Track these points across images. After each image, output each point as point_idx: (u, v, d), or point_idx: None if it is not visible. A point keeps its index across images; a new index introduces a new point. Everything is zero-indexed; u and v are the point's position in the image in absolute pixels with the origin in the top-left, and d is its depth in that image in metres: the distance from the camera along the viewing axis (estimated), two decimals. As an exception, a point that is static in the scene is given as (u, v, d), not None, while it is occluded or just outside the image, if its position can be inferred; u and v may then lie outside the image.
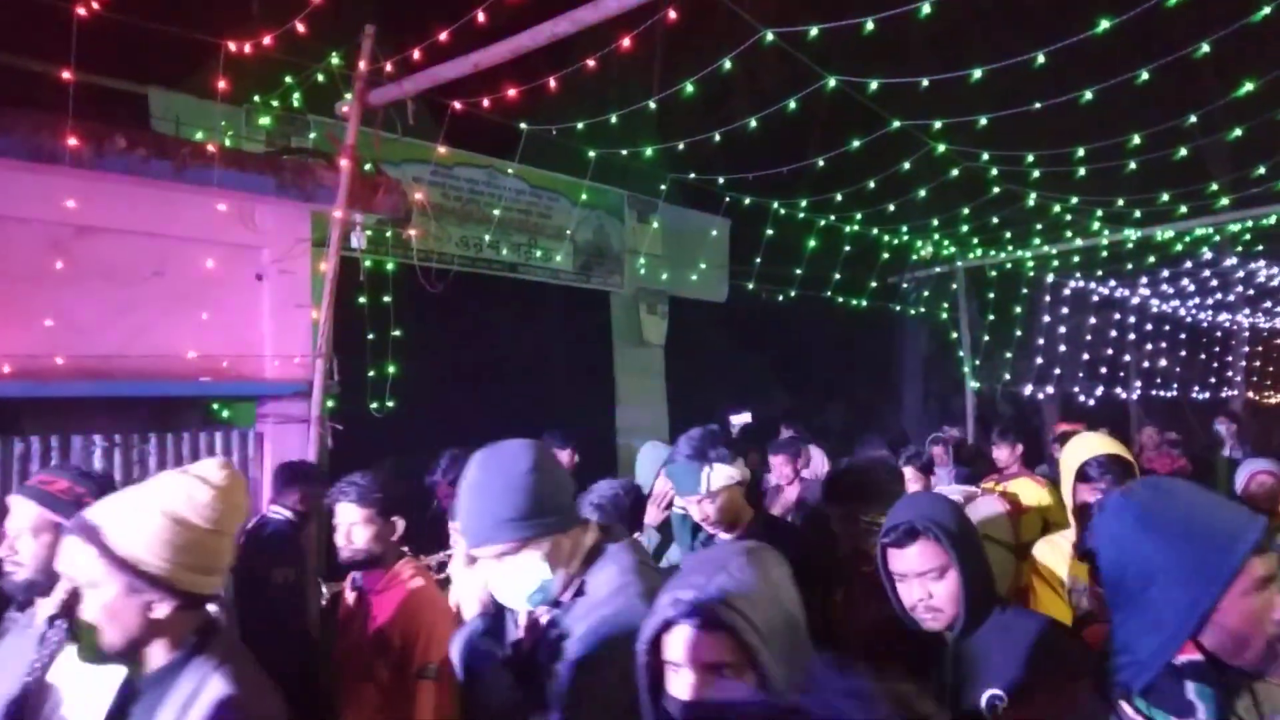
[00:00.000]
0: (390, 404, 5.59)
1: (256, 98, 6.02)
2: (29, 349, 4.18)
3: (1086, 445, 2.94)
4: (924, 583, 2.11)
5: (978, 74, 5.24)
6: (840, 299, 10.79)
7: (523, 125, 6.12)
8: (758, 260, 9.27)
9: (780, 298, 10.23)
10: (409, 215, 5.98)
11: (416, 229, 6.27)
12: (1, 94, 4.50)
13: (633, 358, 10.46)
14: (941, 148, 6.92)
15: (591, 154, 6.96)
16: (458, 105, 5.38)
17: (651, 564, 2.07)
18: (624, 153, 7.10)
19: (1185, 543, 1.45)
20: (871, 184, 7.80)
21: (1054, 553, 3.17)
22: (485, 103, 5.35)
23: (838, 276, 10.16)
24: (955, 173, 7.65)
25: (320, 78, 5.48)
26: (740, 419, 10.29)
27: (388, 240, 6.60)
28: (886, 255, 10.72)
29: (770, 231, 8.87)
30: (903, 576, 2.15)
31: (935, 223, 9.81)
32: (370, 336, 5.55)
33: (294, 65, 5.62)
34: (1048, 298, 12.95)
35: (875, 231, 9.91)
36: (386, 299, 5.78)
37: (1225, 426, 9.32)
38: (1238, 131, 6.41)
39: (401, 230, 6.23)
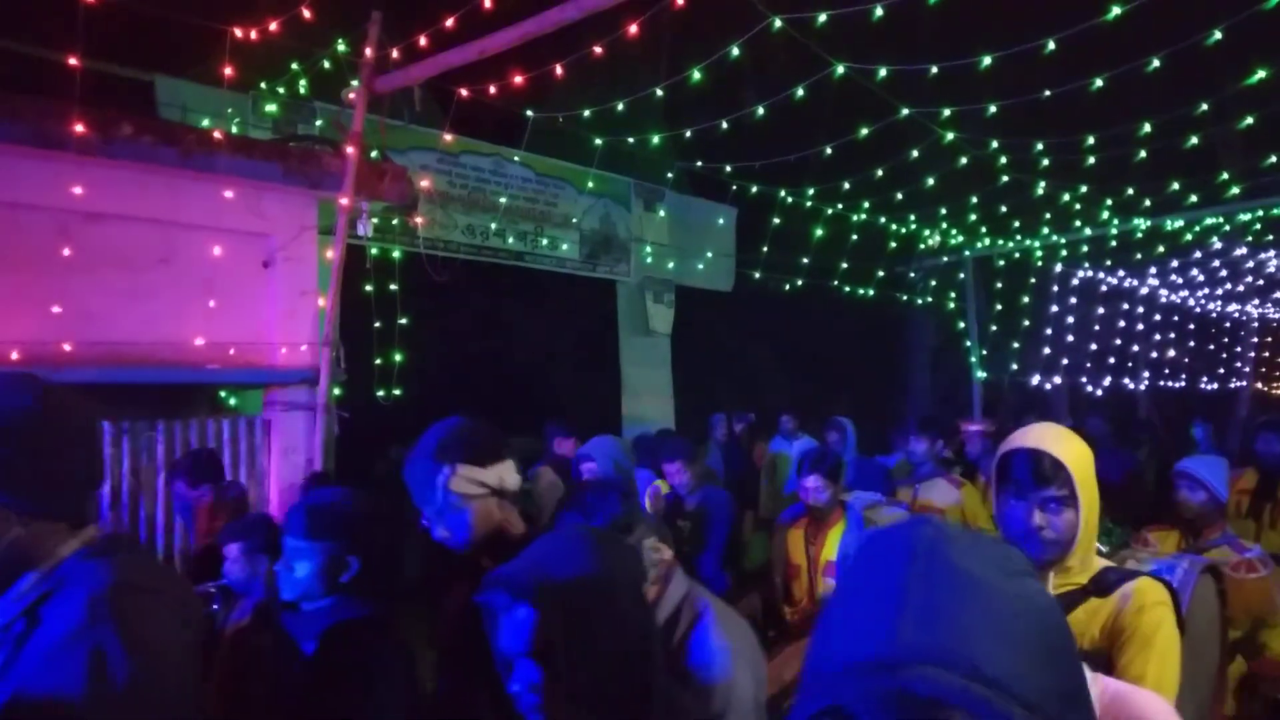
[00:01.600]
0: (396, 392, 5.60)
1: (263, 85, 6.01)
2: (38, 335, 4.20)
3: (1012, 438, 2.15)
4: (528, 667, 1.49)
5: (987, 61, 5.21)
6: (847, 289, 10.76)
7: (529, 112, 6.10)
8: (764, 249, 9.25)
9: (787, 287, 10.20)
10: (415, 203, 5.98)
11: (423, 217, 6.27)
12: (8, 80, 4.50)
13: (639, 347, 10.45)
14: (950, 136, 6.88)
15: (598, 141, 6.94)
16: (464, 92, 5.37)
17: (144, 584, 1.36)
18: (630, 140, 7.08)
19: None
20: (879, 172, 7.78)
21: None
22: (491, 90, 5.34)
23: (845, 266, 10.13)
24: (964, 161, 7.62)
25: (326, 65, 5.48)
26: (743, 420, 10.28)
27: (394, 228, 6.60)
28: (894, 245, 10.69)
29: (777, 220, 8.85)
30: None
31: (943, 212, 9.77)
32: (377, 324, 5.56)
33: (300, 52, 5.62)
34: (1056, 288, 12.89)
35: (883, 221, 9.88)
36: (393, 287, 5.78)
37: (1202, 430, 9.00)
38: (1249, 120, 6.37)
39: (408, 218, 6.23)
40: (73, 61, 4.15)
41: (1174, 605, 1.95)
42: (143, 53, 5.79)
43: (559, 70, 5.19)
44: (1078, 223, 10.04)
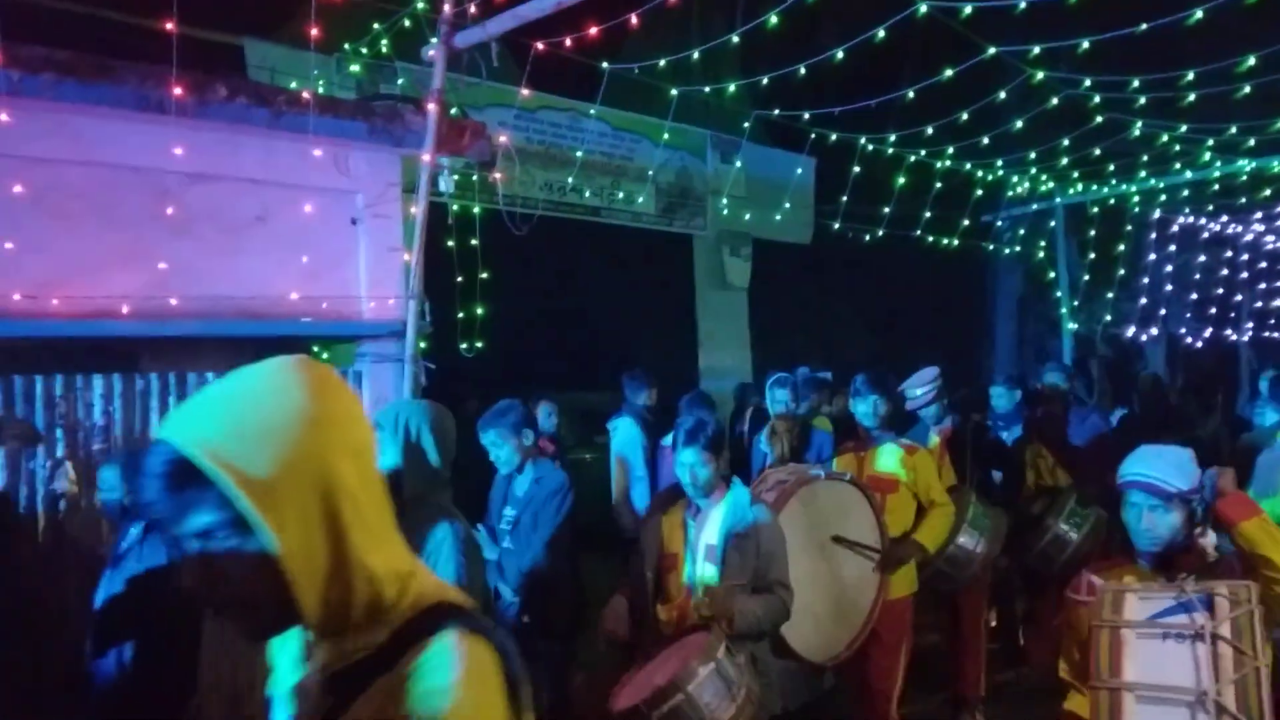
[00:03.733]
0: (479, 344, 5.74)
1: (346, 46, 6.15)
2: (145, 290, 4.44)
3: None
4: None
5: (1078, -6, 5.00)
6: (930, 239, 10.51)
7: (605, 65, 6.10)
8: (844, 199, 9.07)
9: (867, 238, 10.02)
10: (494, 159, 6.06)
11: (501, 173, 6.35)
12: (110, 47, 4.71)
13: (715, 301, 10.46)
14: (1040, 75, 6.63)
15: (674, 92, 6.90)
16: (540, 46, 5.40)
17: None
18: (707, 90, 7.02)
19: None
20: (964, 116, 7.53)
21: None
22: (567, 42, 5.35)
23: (928, 215, 9.87)
24: (1055, 102, 7.33)
25: (406, 23, 5.57)
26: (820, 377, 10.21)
27: (474, 184, 6.71)
28: (980, 192, 10.36)
29: (857, 169, 8.66)
30: None
31: (1032, 156, 9.43)
32: (459, 279, 5.69)
33: (381, 11, 5.71)
34: (1153, 235, 12.36)
35: (968, 167, 9.59)
36: (474, 242, 5.90)
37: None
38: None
39: (487, 174, 6.32)
40: (169, 27, 4.32)
41: (498, 680, 1.13)
42: (232, 17, 5.98)
43: (634, 20, 5.17)
44: (1177, 165, 9.59)
